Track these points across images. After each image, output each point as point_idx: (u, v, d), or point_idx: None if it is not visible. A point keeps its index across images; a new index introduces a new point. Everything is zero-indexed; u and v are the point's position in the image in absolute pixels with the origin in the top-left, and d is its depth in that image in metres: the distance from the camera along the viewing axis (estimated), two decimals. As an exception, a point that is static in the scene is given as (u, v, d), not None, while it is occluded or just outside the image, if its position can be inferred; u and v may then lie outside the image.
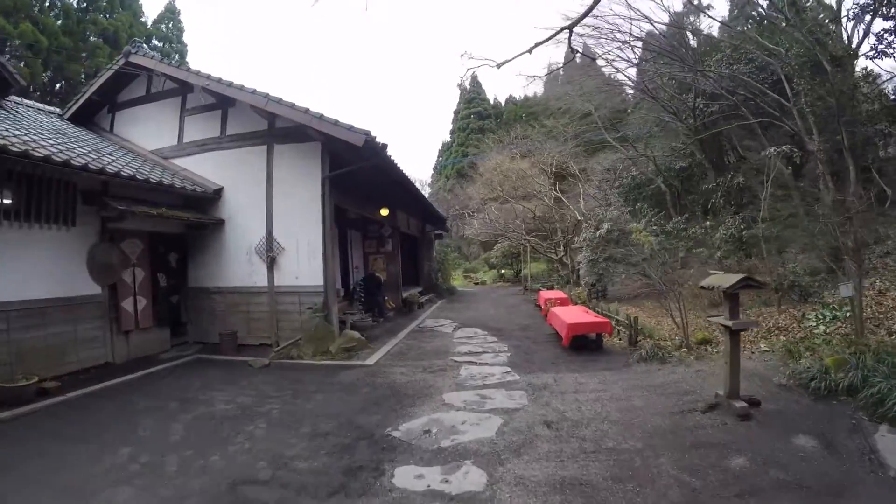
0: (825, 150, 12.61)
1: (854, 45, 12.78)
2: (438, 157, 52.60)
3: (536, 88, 60.43)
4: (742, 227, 13.31)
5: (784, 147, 11.76)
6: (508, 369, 7.80)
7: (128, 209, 8.39)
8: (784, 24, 14.23)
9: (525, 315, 14.35)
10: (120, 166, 8.70)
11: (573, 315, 9.72)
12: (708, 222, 15.06)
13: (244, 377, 7.83)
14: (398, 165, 10.65)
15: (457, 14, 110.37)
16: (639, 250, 11.09)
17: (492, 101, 52.53)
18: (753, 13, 18.59)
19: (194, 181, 10.56)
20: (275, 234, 10.07)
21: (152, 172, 9.58)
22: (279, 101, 9.33)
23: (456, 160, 45.30)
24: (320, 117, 8.93)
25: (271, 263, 10.06)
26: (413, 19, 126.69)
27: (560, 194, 25.33)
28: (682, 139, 19.33)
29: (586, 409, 5.74)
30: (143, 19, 27.76)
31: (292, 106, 9.22)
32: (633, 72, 20.66)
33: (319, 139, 9.55)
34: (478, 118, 48.33)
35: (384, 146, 8.98)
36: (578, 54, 10.25)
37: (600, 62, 18.24)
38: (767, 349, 8.06)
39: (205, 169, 10.86)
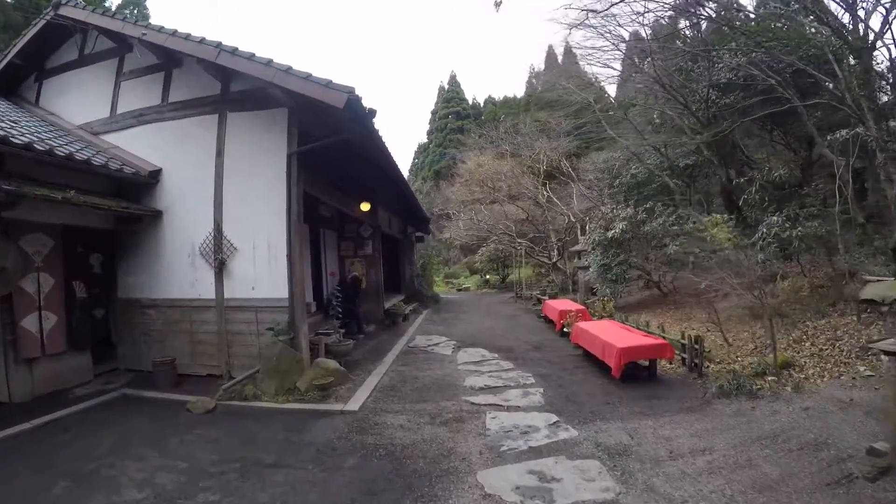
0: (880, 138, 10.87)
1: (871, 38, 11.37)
2: (414, 158, 50.88)
3: (517, 90, 59.47)
4: (787, 225, 11.34)
5: (857, 130, 9.72)
6: (554, 417, 5.59)
7: (18, 190, 5.88)
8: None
9: (532, 329, 12.14)
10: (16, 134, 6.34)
11: (620, 335, 7.58)
12: (722, 218, 13.10)
13: (177, 432, 5.48)
14: (385, 144, 8.33)
15: (437, 16, 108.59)
16: (698, 248, 8.97)
17: (470, 102, 51.10)
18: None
19: (124, 160, 8.13)
20: (225, 230, 7.69)
21: (66, 146, 7.14)
22: (234, 52, 6.96)
23: (436, 159, 43.42)
24: (287, 70, 6.59)
25: (220, 268, 7.65)
26: (388, 20, 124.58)
27: (550, 194, 23.35)
28: (688, 134, 17.50)
29: (713, 495, 3.67)
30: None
31: (251, 57, 6.85)
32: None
33: (286, 103, 7.23)
34: (457, 118, 46.98)
35: (371, 112, 6.65)
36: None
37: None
38: (871, 373, 6.24)
39: (141, 145, 8.50)
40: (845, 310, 8.44)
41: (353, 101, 6.18)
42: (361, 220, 13.73)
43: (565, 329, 10.44)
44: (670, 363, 7.70)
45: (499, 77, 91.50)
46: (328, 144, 7.35)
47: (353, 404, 6.11)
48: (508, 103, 45.59)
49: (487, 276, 29.52)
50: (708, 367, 7.31)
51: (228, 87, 7.91)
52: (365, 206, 11.56)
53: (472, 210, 26.40)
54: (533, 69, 50.63)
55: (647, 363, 7.29)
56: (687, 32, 17.77)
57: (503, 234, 24.14)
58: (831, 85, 11.89)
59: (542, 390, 6.68)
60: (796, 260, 10.96)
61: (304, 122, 7.44)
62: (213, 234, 7.71)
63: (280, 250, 7.29)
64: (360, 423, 5.54)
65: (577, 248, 17.03)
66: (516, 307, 17.68)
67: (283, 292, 7.23)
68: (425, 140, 50.25)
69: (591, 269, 14.36)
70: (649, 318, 10.62)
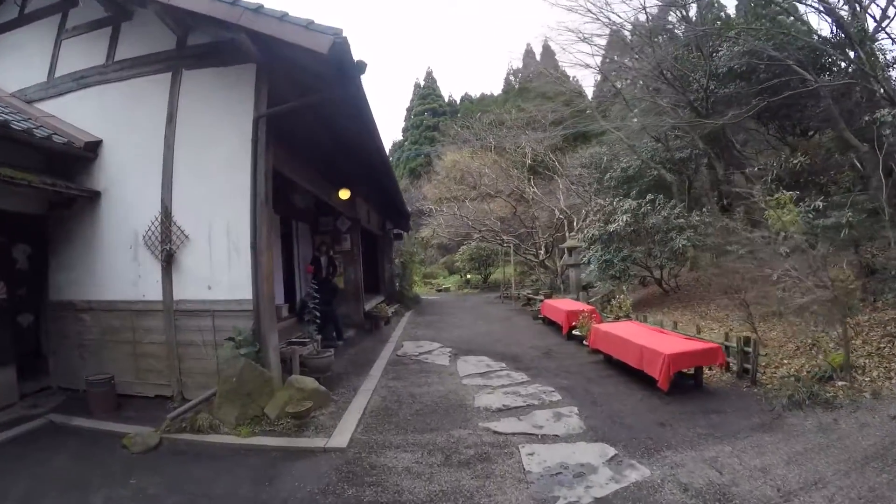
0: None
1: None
2: (389, 157, 49.09)
3: (494, 87, 58.52)
4: (811, 215, 10.31)
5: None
6: (608, 448, 4.33)
7: None
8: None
9: (533, 333, 10.83)
10: None
11: (660, 340, 6.36)
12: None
13: (105, 482, 4.07)
14: (372, 113, 6.90)
15: (414, 12, 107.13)
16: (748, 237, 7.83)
17: (447, 99, 50.00)
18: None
19: (57, 129, 6.57)
20: (175, 213, 6.18)
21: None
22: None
23: (411, 156, 42.12)
24: (257, 10, 5.13)
25: (168, 262, 6.15)
26: (362, 15, 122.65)
27: (536, 190, 22.18)
28: (682, 127, 16.54)
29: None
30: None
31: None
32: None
33: (254, 58, 5.75)
34: (432, 115, 45.70)
35: (360, 65, 5.22)
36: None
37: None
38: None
39: (81, 113, 6.92)
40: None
41: (339, 45, 4.74)
42: (339, 212, 12.26)
43: (575, 332, 9.19)
44: (713, 369, 6.54)
45: (476, 75, 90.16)
46: (306, 105, 5.94)
47: (340, 437, 4.69)
48: (485, 101, 44.63)
49: (468, 276, 28.22)
50: (763, 373, 6.22)
51: (186, 40, 6.40)
52: (344, 194, 10.12)
53: (453, 207, 25.05)
54: (511, 67, 49.84)
55: (691, 371, 6.10)
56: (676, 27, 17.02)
57: (488, 231, 22.85)
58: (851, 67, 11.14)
59: (575, 410, 5.37)
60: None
61: (275, 81, 6.00)
62: (159, 219, 6.21)
63: (242, 239, 5.81)
64: (352, 466, 4.13)
65: (568, 244, 15.85)
66: (506, 308, 16.38)
67: (246, 292, 5.74)
68: (400, 138, 48.92)
69: (590, 266, 13.16)
70: (657, 317, 9.41)
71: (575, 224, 20.06)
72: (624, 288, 12.52)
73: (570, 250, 15.42)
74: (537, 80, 35.76)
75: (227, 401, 5.23)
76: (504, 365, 7.59)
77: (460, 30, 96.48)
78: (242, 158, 5.87)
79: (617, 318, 9.08)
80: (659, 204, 13.00)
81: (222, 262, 5.94)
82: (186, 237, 6.10)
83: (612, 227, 12.61)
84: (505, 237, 21.77)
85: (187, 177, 6.20)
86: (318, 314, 7.84)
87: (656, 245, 12.49)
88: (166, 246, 6.12)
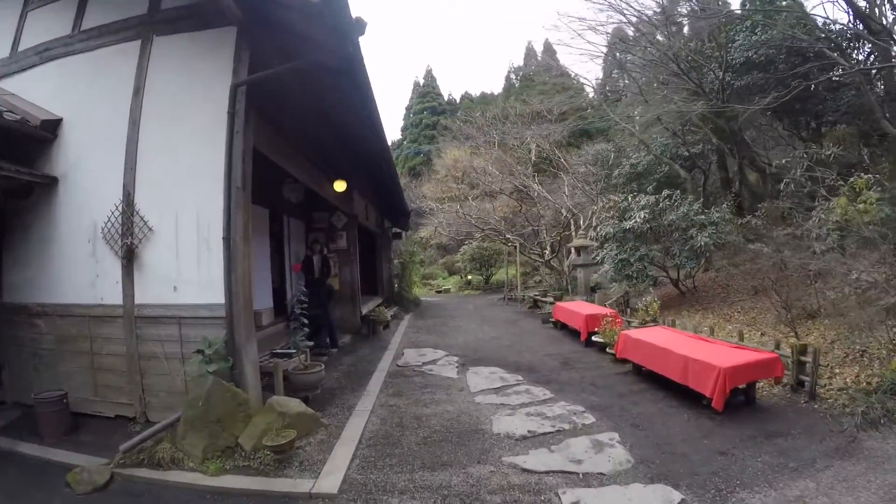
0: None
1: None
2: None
3: (495, 86, 57.70)
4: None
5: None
6: (672, 492, 3.47)
7: None
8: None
9: (545, 339, 9.89)
10: None
11: (709, 350, 5.46)
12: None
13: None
14: (371, 85, 5.97)
15: (413, 11, 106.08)
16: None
17: (446, 98, 49.20)
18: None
19: (13, 106, 5.69)
20: (138, 201, 5.26)
21: None
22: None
23: (410, 155, 41.35)
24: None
25: (129, 258, 5.22)
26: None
27: (541, 188, 21.29)
28: (691, 120, 15.73)
29: None
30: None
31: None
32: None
33: (236, 17, 4.82)
34: (432, 113, 44.84)
35: (359, 24, 4.30)
36: None
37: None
38: None
39: (43, 90, 6.04)
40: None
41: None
42: (335, 207, 11.34)
43: (595, 338, 8.27)
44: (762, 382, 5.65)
45: (476, 74, 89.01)
46: (293, 72, 5.01)
47: (330, 478, 3.74)
48: (486, 99, 43.83)
49: (469, 277, 27.26)
50: (826, 385, 5.39)
51: (160, 2, 5.52)
52: (339, 186, 9.19)
53: (454, 206, 24.13)
54: (512, 65, 49.16)
55: (742, 385, 5.19)
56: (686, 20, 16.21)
57: (491, 229, 21.93)
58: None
59: (617, 437, 4.45)
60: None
61: (259, 48, 5.09)
62: (121, 207, 5.29)
63: (215, 231, 4.88)
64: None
65: (576, 243, 14.97)
66: (512, 311, 15.43)
67: (217, 295, 4.81)
68: (399, 137, 47.98)
69: (605, 266, 12.25)
70: (682, 321, 8.51)
71: (581, 223, 19.20)
72: (651, 289, 11.61)
73: (579, 249, 14.56)
74: (541, 76, 35.11)
75: (192, 428, 4.30)
76: (520, 378, 6.65)
77: (460, 29, 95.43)
78: (217, 136, 4.95)
79: (643, 323, 8.16)
80: (676, 200, 12.14)
81: (190, 260, 5.02)
82: (150, 229, 5.19)
83: (627, 225, 11.74)
84: (510, 236, 20.84)
85: (153, 158, 5.29)
86: (305, 320, 6.91)
87: (675, 243, 11.64)
88: (126, 240, 5.21)
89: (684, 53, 14.64)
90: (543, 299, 14.40)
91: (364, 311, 11.78)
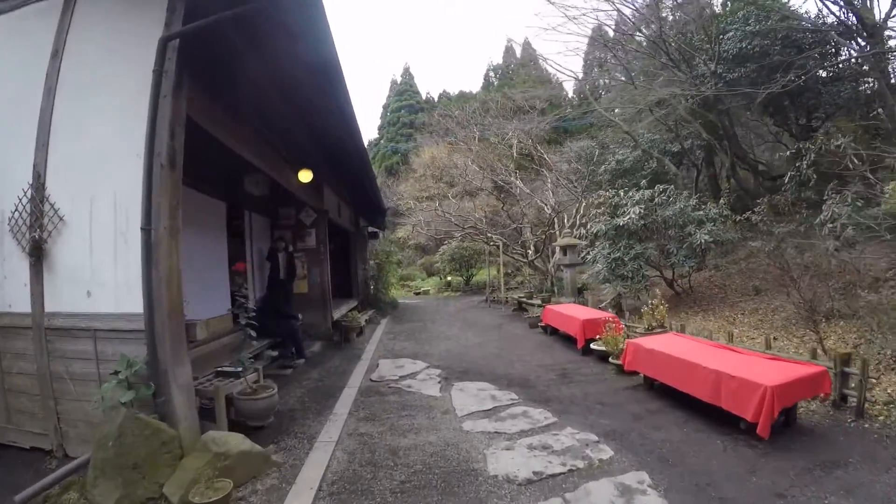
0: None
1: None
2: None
3: (473, 85, 56.91)
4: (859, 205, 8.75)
5: None
6: None
7: None
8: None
9: (536, 346, 8.91)
10: None
11: (746, 364, 4.53)
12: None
13: None
14: (337, 54, 4.96)
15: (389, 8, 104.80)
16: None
17: (424, 97, 48.37)
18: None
19: None
20: (50, 185, 4.23)
21: None
22: None
23: (387, 153, 40.43)
24: None
25: (38, 255, 4.18)
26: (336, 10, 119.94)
27: (523, 185, 20.46)
28: (675, 115, 15.07)
29: None
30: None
31: None
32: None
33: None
34: (410, 111, 43.98)
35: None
36: None
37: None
38: None
39: None
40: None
41: None
42: (303, 203, 10.30)
43: (594, 346, 7.36)
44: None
45: (454, 73, 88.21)
46: (238, 19, 3.96)
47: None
48: (464, 98, 43.10)
49: (449, 278, 26.29)
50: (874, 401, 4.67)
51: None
52: (305, 176, 8.14)
53: (433, 205, 23.20)
54: (491, 63, 48.46)
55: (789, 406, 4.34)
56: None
57: (472, 228, 20.98)
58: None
59: (646, 478, 3.52)
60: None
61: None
62: (29, 194, 4.23)
63: (133, 220, 3.84)
64: None
65: (562, 242, 14.12)
66: (495, 314, 14.48)
67: (134, 303, 3.78)
68: (376, 136, 46.96)
69: (597, 266, 11.39)
70: (679, 324, 7.67)
71: (566, 221, 18.42)
72: (637, 289, 10.78)
73: (565, 249, 13.72)
74: (520, 73, 34.45)
75: (103, 475, 3.29)
76: (514, 396, 5.68)
77: (438, 27, 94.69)
78: (139, 104, 3.91)
79: (649, 330, 7.25)
80: (671, 195, 11.37)
81: (106, 257, 3.99)
82: (61, 219, 4.15)
83: (621, 221, 10.92)
84: (493, 235, 19.91)
85: (69, 133, 4.27)
86: (253, 332, 5.90)
87: (671, 241, 10.88)
88: (35, 232, 4.14)
89: (675, 44, 13.95)
90: (530, 302, 13.49)
91: (336, 315, 10.73)
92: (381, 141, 44.71)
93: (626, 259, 10.68)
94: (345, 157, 9.05)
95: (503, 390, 5.93)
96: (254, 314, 5.89)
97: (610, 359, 6.74)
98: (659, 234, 11.19)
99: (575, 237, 14.63)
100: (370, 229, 20.86)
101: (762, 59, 11.73)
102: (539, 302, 12.37)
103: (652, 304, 7.48)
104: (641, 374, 5.79)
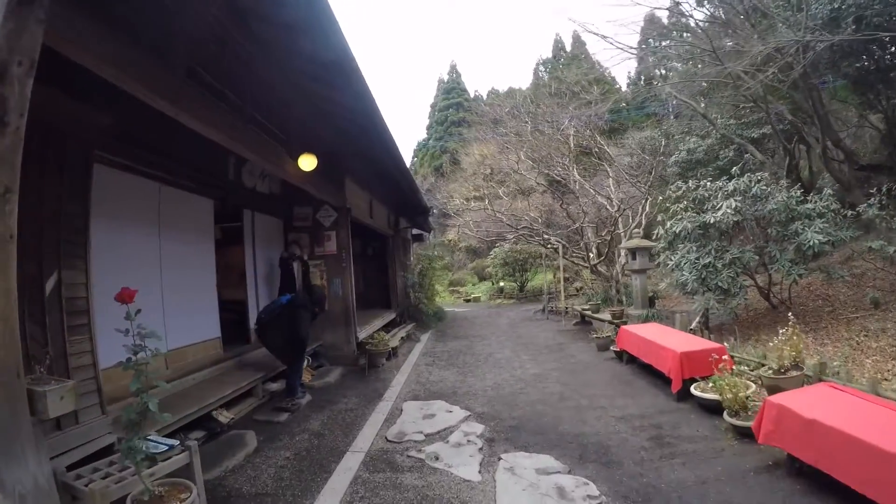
0: None
1: None
2: (413, 157, 46.52)
3: (522, 81, 54.79)
4: None
5: None
6: None
7: None
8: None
9: (610, 381, 6.77)
10: None
11: None
12: None
13: None
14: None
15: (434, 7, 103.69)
16: None
17: (472, 95, 46.75)
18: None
19: None
20: None
21: None
22: None
23: (436, 153, 39.00)
24: None
25: None
26: (378, 11, 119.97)
27: (582, 180, 18.28)
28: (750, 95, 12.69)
29: None
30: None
31: None
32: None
33: None
34: (458, 109, 42.29)
35: None
36: None
37: None
38: None
39: None
40: None
41: None
42: (321, 201, 8.60)
43: (696, 391, 5.24)
44: None
45: (502, 69, 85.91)
46: None
47: None
48: (514, 94, 41.18)
49: (501, 284, 24.29)
50: None
51: None
52: (307, 163, 6.31)
53: (483, 205, 21.35)
54: (540, 57, 46.34)
55: None
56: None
57: (525, 229, 18.93)
58: None
59: None
60: None
61: None
62: None
63: None
64: None
65: (630, 244, 11.97)
66: (555, 328, 12.40)
67: None
68: (424, 136, 45.68)
69: (683, 274, 9.15)
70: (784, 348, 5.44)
71: (631, 219, 16.18)
72: (734, 304, 8.54)
73: (634, 251, 11.57)
74: (571, 68, 32.24)
75: None
76: (594, 489, 3.62)
77: (484, 23, 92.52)
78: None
79: (781, 371, 5.06)
80: (769, 185, 9.10)
81: None
82: None
83: (711, 218, 8.68)
84: (551, 237, 17.78)
85: None
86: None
87: (770, 242, 8.65)
88: None
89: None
90: (596, 316, 11.33)
91: (362, 335, 8.97)
92: (430, 141, 43.36)
93: (718, 265, 8.47)
94: (365, 141, 7.23)
95: (575, 471, 3.91)
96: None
97: (726, 415, 4.62)
98: (752, 233, 8.99)
99: (660, 236, 12.52)
100: (414, 232, 19.15)
101: (858, 26, 9.27)
102: (608, 317, 10.23)
103: (785, 333, 5.25)
104: (784, 451, 3.70)
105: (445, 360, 8.86)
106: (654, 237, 10.84)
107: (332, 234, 8.82)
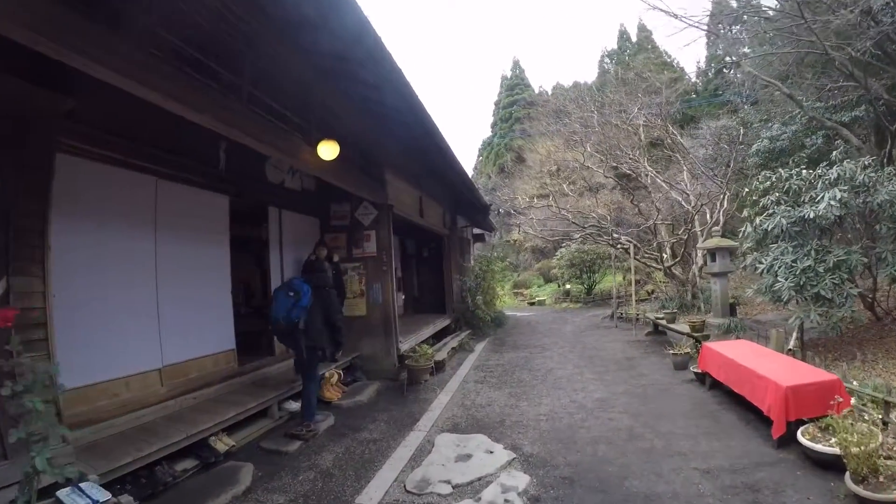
0: None
1: None
2: (478, 156, 45.67)
3: (587, 75, 52.79)
4: None
5: None
6: None
7: None
8: None
9: (691, 415, 5.45)
10: None
11: None
12: None
13: None
14: None
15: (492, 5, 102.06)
16: None
17: (537, 90, 45.34)
18: None
19: None
20: None
21: None
22: None
23: (501, 152, 37.89)
24: None
25: None
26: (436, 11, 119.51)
27: (654, 172, 16.77)
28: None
29: None
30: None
31: None
32: None
33: None
34: (522, 105, 41.09)
35: None
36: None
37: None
38: None
39: None
40: None
41: None
42: (361, 198, 7.80)
43: (806, 440, 3.95)
44: None
45: (566, 63, 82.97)
46: None
47: None
48: (579, 88, 39.59)
49: (567, 286, 22.91)
50: None
51: None
52: (328, 151, 5.40)
53: (549, 202, 20.16)
54: (605, 49, 44.48)
55: None
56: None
57: (593, 227, 17.59)
58: None
59: None
60: None
61: None
62: None
63: None
64: None
65: (710, 243, 10.57)
66: (625, 338, 11.07)
67: None
68: (489, 135, 44.57)
69: (778, 281, 7.66)
70: None
71: (709, 217, 14.60)
72: (841, 318, 7.04)
73: (714, 252, 10.21)
74: (640, 55, 30.47)
75: None
76: None
77: (546, 17, 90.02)
78: None
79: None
80: (877, 171, 7.52)
81: None
82: None
83: (810, 212, 7.22)
84: (622, 236, 16.35)
85: None
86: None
87: (880, 241, 7.20)
88: None
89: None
90: (672, 327, 9.91)
91: (405, 346, 8.09)
92: (494, 139, 42.31)
93: (819, 269, 7.01)
94: (402, 129, 6.33)
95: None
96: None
97: (848, 479, 3.37)
98: (852, 230, 7.56)
99: (749, 234, 11.06)
100: (475, 231, 18.20)
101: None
102: (687, 328, 8.83)
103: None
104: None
105: (498, 377, 7.81)
106: (739, 235, 9.46)
107: (371, 233, 7.98)
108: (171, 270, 4.94)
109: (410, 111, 5.63)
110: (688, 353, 7.70)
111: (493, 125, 44.11)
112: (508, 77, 44.96)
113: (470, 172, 43.48)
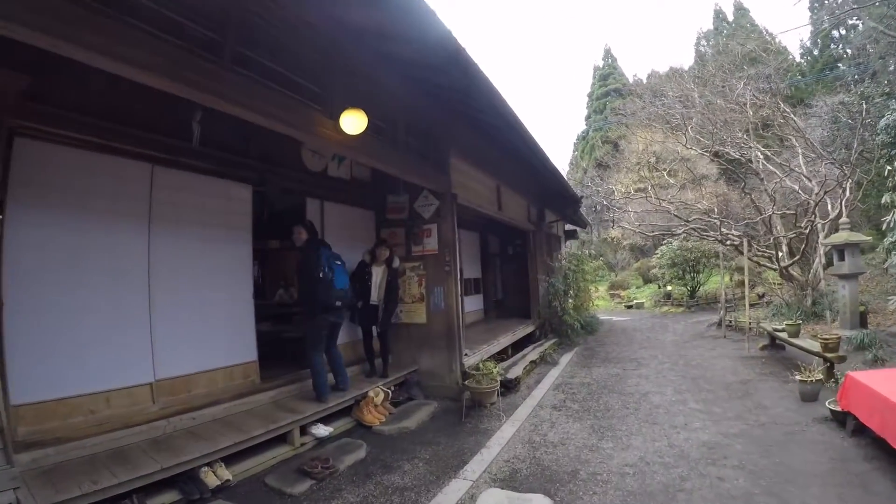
0: None
1: None
2: (574, 151, 44.03)
3: (684, 61, 49.46)
4: None
5: None
6: None
7: None
8: None
9: (829, 473, 3.96)
10: None
11: None
12: None
13: None
14: None
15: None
16: None
17: (631, 79, 43.10)
18: None
19: None
20: None
21: None
22: None
23: (597, 144, 35.84)
24: None
25: None
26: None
27: (765, 158, 14.55)
28: None
29: None
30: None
31: None
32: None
33: None
34: (616, 96, 39.06)
35: None
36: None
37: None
38: None
39: None
40: None
41: None
42: (420, 188, 6.78)
43: None
44: None
45: (660, 50, 78.21)
46: None
47: None
48: (676, 74, 36.83)
49: (669, 288, 20.81)
50: None
51: None
52: (352, 123, 4.34)
53: (649, 192, 18.31)
54: (700, 30, 41.44)
55: None
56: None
57: (698, 220, 15.60)
58: None
59: None
60: None
61: None
62: None
63: None
64: None
65: (838, 238, 8.77)
66: (735, 353, 9.26)
67: None
68: (583, 128, 42.65)
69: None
70: None
71: (830, 208, 12.31)
72: None
73: (842, 249, 8.64)
74: (738, 34, 27.65)
75: None
76: None
77: (636, 3, 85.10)
78: None
79: None
80: None
81: None
82: None
83: None
84: (732, 231, 14.28)
85: None
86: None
87: None
88: None
89: None
90: (797, 344, 7.82)
91: (472, 360, 6.98)
92: (589, 131, 40.43)
93: None
94: (461, 107, 5.20)
95: None
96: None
97: None
98: None
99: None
100: (567, 227, 16.76)
101: None
102: (816, 346, 6.86)
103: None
104: None
105: (580, 402, 6.48)
106: (883, 226, 7.55)
107: (432, 227, 6.92)
108: (169, 271, 4.17)
109: (477, 88, 4.51)
110: (820, 380, 6.02)
111: (587, 117, 42.34)
112: (601, 67, 43.16)
113: (565, 167, 41.71)
